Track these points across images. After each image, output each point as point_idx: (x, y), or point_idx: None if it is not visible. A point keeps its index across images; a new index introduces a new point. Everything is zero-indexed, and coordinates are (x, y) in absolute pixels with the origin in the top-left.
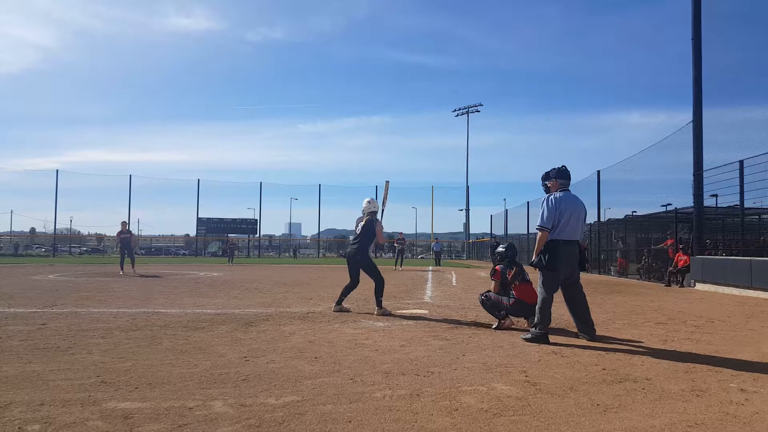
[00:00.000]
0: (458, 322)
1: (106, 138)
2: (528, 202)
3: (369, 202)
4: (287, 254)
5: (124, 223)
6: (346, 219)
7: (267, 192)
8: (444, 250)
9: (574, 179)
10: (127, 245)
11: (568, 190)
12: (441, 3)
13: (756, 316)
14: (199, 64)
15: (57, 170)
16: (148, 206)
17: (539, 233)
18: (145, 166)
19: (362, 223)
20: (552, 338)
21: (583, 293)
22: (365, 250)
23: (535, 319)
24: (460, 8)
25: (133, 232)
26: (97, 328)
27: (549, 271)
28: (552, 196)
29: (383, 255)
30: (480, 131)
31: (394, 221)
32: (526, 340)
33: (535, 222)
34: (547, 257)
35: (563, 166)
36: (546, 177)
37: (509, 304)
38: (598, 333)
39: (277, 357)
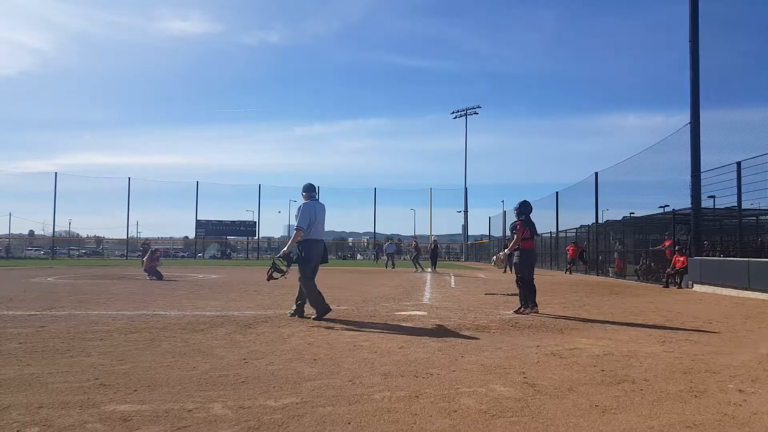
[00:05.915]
0: (457, 324)
1: (104, 141)
2: None
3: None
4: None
5: (156, 250)
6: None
7: (265, 194)
8: (441, 252)
9: (572, 180)
10: (155, 271)
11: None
12: (436, 7)
13: (754, 317)
14: (196, 68)
15: (56, 173)
16: (146, 209)
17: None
18: (144, 169)
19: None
20: (551, 338)
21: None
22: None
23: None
24: (455, 12)
25: (159, 252)
26: (96, 331)
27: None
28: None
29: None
30: (478, 133)
31: (394, 223)
32: (316, 319)
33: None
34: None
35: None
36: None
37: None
38: (595, 331)
39: (275, 359)
